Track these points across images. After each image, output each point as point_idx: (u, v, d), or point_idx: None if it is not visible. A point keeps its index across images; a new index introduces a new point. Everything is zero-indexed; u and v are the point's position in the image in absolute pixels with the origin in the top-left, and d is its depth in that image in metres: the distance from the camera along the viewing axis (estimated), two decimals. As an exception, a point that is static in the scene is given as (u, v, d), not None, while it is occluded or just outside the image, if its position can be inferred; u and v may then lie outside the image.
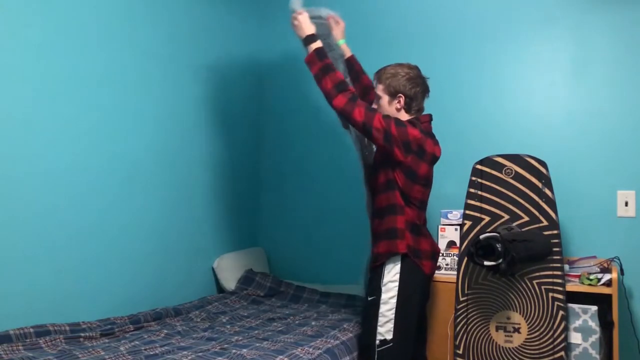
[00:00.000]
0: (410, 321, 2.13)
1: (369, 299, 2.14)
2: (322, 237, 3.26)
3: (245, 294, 2.93)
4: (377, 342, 2.06)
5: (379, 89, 2.21)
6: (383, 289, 2.09)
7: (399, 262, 2.11)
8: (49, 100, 2.20)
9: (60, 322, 2.14)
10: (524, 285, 2.30)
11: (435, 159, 2.22)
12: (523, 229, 2.31)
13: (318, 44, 2.20)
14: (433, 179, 2.27)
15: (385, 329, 2.06)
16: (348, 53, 2.52)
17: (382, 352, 2.05)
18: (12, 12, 2.07)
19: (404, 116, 2.20)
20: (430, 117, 2.28)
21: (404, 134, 2.07)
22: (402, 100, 2.19)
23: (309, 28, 2.22)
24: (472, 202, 2.43)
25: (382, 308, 2.07)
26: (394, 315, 2.07)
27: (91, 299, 2.34)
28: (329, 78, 2.12)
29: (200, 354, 1.94)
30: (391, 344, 2.05)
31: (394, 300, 2.08)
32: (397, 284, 2.09)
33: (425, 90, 2.25)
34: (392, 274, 2.11)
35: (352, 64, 2.52)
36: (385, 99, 2.20)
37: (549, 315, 2.25)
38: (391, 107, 2.20)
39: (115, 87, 2.48)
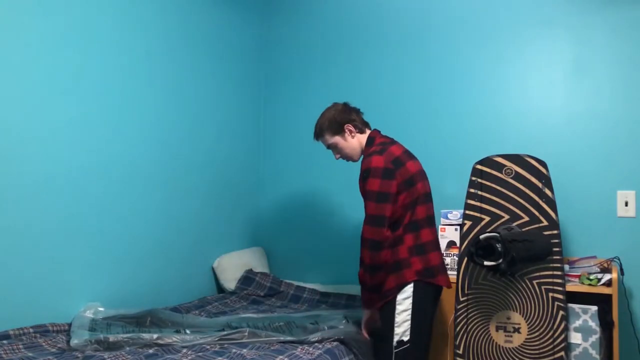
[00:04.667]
0: (425, 323, 2.14)
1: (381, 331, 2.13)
2: (322, 237, 3.26)
3: (245, 294, 2.93)
4: (395, 343, 2.06)
5: (329, 140, 2.28)
6: (397, 317, 2.08)
7: (411, 289, 2.09)
8: (48, 100, 2.20)
9: (59, 322, 2.15)
10: (524, 285, 2.30)
11: (414, 175, 2.15)
12: (523, 229, 2.31)
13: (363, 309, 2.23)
14: (431, 183, 2.27)
15: (402, 329, 2.06)
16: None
17: (399, 353, 2.05)
18: (14, 11, 2.07)
19: (362, 138, 2.27)
20: (378, 131, 2.32)
21: (389, 186, 2.07)
22: (350, 127, 2.26)
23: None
24: (472, 202, 2.43)
25: (398, 309, 2.07)
26: (410, 317, 2.07)
27: (91, 298, 2.34)
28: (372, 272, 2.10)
29: (200, 353, 1.94)
30: (408, 344, 2.06)
31: (410, 301, 2.08)
32: (410, 308, 2.08)
33: (357, 110, 2.33)
34: (405, 305, 2.08)
35: None
36: (339, 140, 2.27)
37: (549, 315, 2.25)
38: (348, 142, 2.27)
39: (115, 86, 2.48)
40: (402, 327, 2.07)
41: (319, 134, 2.31)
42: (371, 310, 2.19)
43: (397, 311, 2.07)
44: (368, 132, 2.31)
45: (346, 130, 2.27)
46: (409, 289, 2.08)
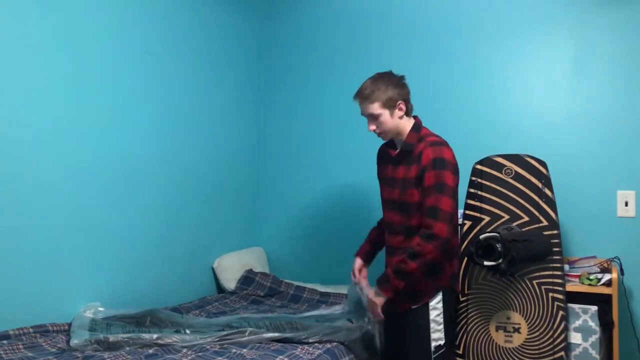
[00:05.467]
0: (453, 323, 2.17)
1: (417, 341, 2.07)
2: (322, 237, 3.26)
3: (245, 294, 2.93)
4: (433, 348, 2.05)
5: (375, 108, 2.05)
6: (432, 323, 2.05)
7: (441, 296, 2.08)
8: (49, 99, 2.19)
9: (59, 322, 2.15)
10: (524, 285, 2.30)
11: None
12: (523, 229, 2.31)
13: (385, 295, 2.05)
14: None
15: (437, 335, 2.06)
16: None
17: (437, 357, 2.05)
18: (14, 11, 2.07)
19: (406, 121, 2.11)
20: (418, 118, 2.19)
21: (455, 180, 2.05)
22: (402, 106, 2.07)
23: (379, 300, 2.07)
24: (472, 202, 2.43)
25: (433, 314, 2.06)
26: (442, 320, 2.07)
27: (91, 298, 2.34)
28: (411, 270, 1.97)
29: (200, 353, 1.94)
30: (444, 348, 2.07)
31: (441, 304, 2.08)
32: (442, 311, 2.07)
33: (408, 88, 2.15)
34: (438, 309, 2.07)
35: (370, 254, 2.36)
36: (385, 114, 2.06)
37: (549, 315, 2.25)
38: (394, 119, 2.07)
39: (115, 86, 2.48)
40: (437, 333, 2.06)
41: (367, 98, 2.05)
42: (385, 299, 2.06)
43: (431, 316, 2.06)
44: (411, 117, 2.14)
45: (397, 108, 2.07)
46: (439, 297, 2.08)
